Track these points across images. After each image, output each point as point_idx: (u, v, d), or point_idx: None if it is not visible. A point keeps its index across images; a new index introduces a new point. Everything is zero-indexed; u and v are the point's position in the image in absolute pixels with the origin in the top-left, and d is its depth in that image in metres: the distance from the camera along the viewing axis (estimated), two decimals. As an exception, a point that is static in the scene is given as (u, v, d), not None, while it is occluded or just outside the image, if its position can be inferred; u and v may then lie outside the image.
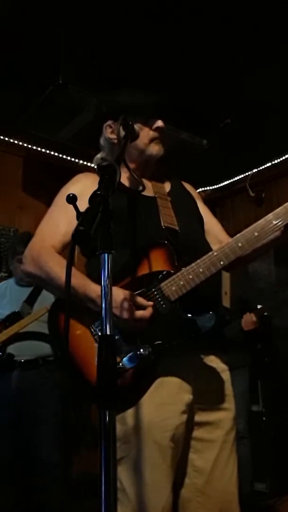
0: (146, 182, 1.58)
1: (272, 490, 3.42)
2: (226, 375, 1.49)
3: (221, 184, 4.79)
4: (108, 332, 0.93)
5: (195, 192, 1.76)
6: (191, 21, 2.65)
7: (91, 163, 4.20)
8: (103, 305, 0.95)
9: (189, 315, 1.35)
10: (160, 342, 1.33)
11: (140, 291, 1.38)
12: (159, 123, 1.55)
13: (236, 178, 4.66)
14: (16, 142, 3.92)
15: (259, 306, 3.37)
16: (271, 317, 3.70)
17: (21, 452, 2.66)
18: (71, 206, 0.98)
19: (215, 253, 1.35)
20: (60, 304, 1.53)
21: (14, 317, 2.83)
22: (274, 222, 1.36)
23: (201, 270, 1.34)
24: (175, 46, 2.80)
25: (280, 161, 4.25)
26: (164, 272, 1.39)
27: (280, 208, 1.37)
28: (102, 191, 0.99)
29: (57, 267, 1.40)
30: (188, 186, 1.75)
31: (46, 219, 1.56)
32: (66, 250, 1.43)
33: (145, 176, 1.60)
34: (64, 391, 1.01)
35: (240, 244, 1.34)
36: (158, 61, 2.89)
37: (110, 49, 2.81)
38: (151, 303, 1.34)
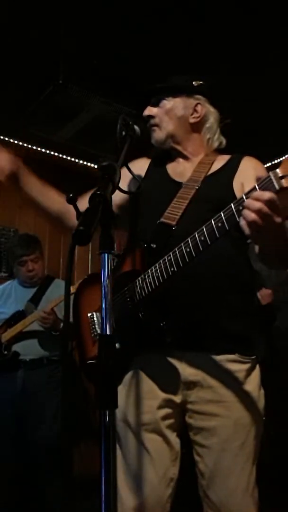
0: (188, 164, 1.54)
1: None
2: (224, 378, 1.35)
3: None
4: (108, 332, 0.93)
5: (247, 168, 1.46)
6: (191, 21, 2.65)
7: (91, 163, 4.21)
8: (103, 305, 0.94)
9: (148, 320, 1.31)
10: (127, 341, 1.33)
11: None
12: (144, 111, 1.56)
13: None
14: (16, 142, 3.92)
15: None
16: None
17: (23, 451, 2.66)
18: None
19: (168, 257, 1.24)
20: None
21: (18, 316, 2.85)
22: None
23: (157, 274, 1.27)
24: (175, 46, 2.80)
25: (280, 161, 4.23)
26: (134, 273, 1.37)
27: None
28: (102, 191, 0.99)
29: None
30: (244, 164, 1.49)
31: None
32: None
33: (188, 157, 1.56)
34: (64, 390, 1.01)
35: (188, 250, 1.19)
36: (158, 61, 2.88)
37: (110, 49, 2.81)
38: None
